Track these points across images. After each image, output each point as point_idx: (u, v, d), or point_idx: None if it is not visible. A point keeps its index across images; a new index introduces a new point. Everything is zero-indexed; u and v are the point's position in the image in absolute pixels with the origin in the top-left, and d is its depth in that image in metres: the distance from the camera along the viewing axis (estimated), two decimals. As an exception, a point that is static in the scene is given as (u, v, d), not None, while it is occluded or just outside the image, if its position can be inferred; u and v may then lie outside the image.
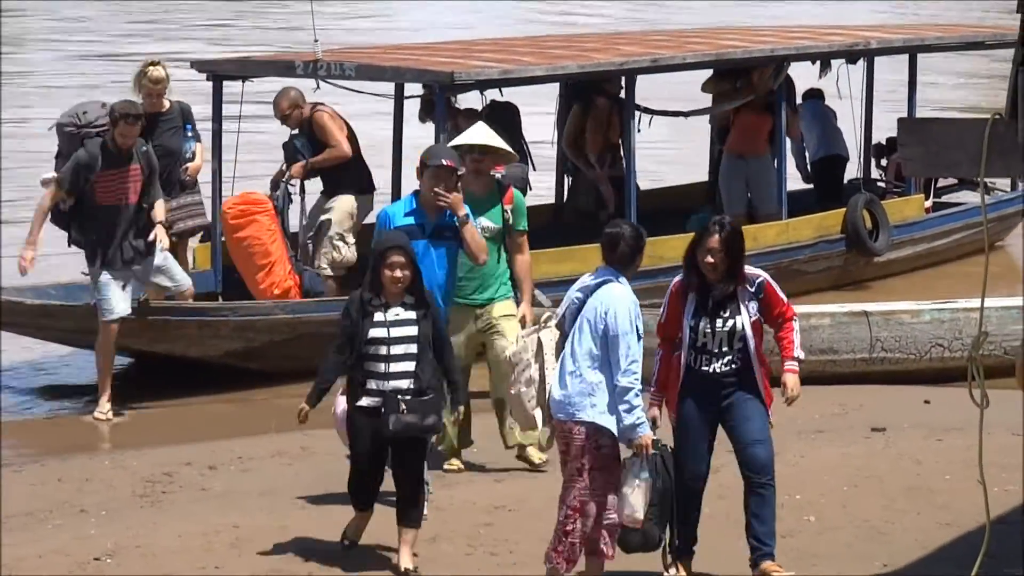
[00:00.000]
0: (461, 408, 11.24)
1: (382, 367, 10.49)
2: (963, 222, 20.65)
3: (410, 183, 18.30)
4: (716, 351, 10.35)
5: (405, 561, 10.58)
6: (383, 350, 10.48)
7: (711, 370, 10.36)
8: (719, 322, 10.36)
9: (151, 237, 14.51)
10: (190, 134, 13.06)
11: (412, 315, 10.54)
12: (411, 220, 11.81)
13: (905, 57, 20.70)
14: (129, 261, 14.59)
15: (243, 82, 16.72)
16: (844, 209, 19.24)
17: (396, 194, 18.18)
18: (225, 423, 15.31)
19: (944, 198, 21.17)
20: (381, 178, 18.22)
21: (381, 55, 18.64)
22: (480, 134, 12.97)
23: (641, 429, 10.06)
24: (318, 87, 17.24)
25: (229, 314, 15.83)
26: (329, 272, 16.34)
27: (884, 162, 21.19)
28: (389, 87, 18.09)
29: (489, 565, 10.89)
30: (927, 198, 20.70)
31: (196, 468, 13.07)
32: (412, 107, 18.70)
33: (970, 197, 21.14)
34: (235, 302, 16.11)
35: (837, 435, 14.05)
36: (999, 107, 8.57)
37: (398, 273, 10.42)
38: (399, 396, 10.41)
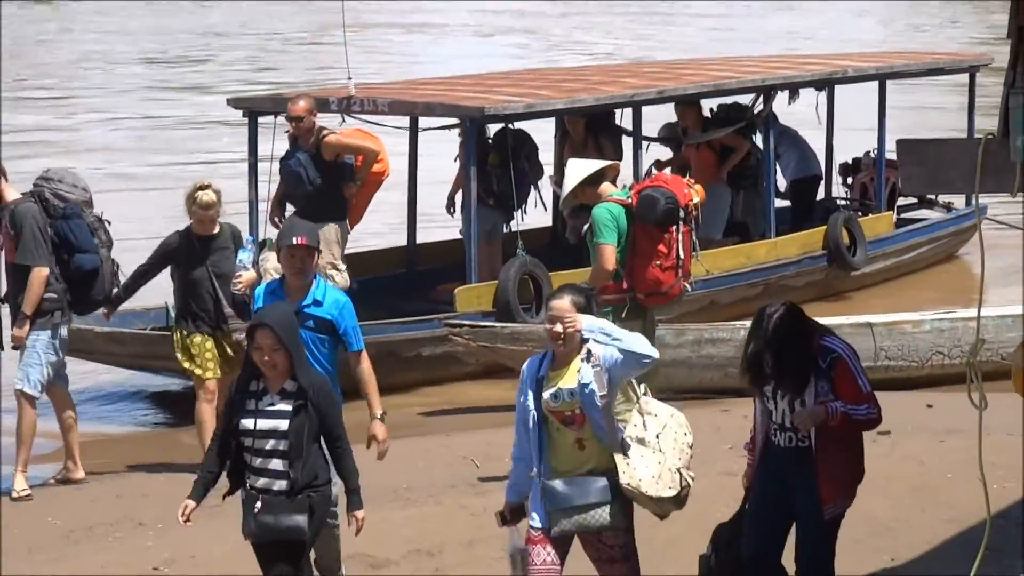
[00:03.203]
0: (357, 514, 8.89)
1: (255, 461, 8.73)
2: (926, 236, 20.85)
3: (425, 213, 18.54)
4: (781, 423, 8.91)
5: None
6: (249, 442, 8.71)
7: (779, 443, 8.95)
8: (782, 393, 8.90)
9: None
10: (244, 255, 12.48)
11: (286, 406, 8.67)
12: (273, 299, 10.24)
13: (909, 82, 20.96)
14: None
15: (275, 117, 16.63)
16: (825, 227, 19.31)
17: (412, 222, 18.46)
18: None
19: (905, 215, 21.20)
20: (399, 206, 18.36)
21: (406, 91, 18.56)
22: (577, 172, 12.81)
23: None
24: (343, 121, 17.07)
25: None
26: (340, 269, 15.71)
27: (850, 180, 21.18)
28: (404, 121, 17.94)
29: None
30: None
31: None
32: (426, 139, 18.57)
33: (929, 214, 21.22)
34: None
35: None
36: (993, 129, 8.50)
37: (266, 357, 8.60)
38: (261, 494, 8.72)
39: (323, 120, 16.45)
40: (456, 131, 17.83)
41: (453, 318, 15.53)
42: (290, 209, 15.67)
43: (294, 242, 10.11)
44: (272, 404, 8.65)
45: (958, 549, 9.64)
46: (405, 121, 18.12)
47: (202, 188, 12.38)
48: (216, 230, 12.62)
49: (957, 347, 15.13)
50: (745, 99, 19.64)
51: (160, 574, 10.76)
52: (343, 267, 15.85)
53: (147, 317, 15.83)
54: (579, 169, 12.69)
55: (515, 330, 15.42)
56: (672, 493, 8.32)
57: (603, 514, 8.31)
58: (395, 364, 15.48)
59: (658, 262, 12.73)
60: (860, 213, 19.92)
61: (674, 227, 12.79)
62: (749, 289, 18.01)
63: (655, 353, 8.31)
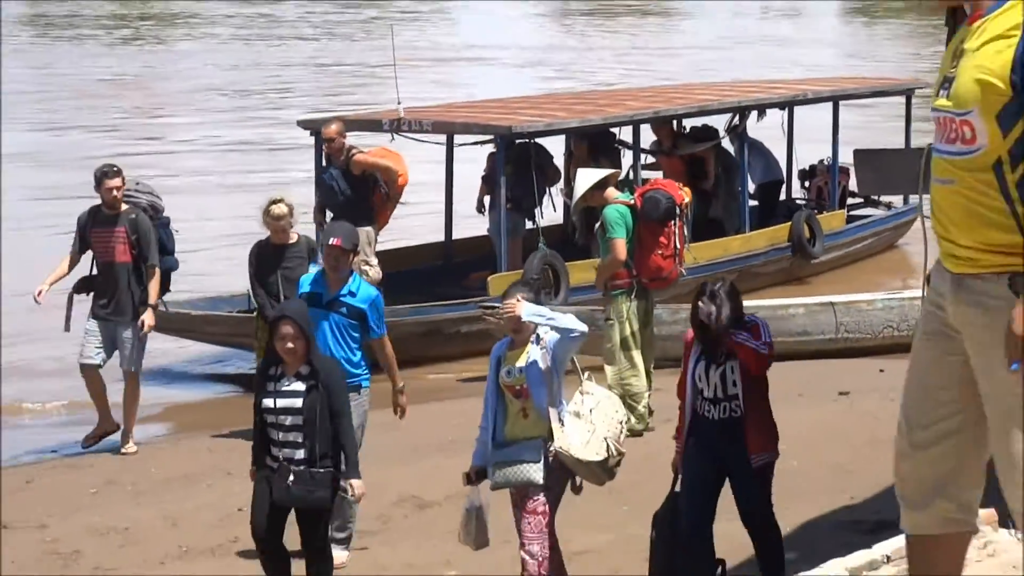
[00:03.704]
0: (353, 483, 8.81)
1: (277, 435, 8.67)
2: (871, 231, 20.71)
3: (460, 218, 18.55)
4: (712, 397, 8.57)
5: None
6: (272, 419, 8.67)
7: (711, 416, 8.56)
8: (714, 367, 8.57)
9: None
10: (313, 268, 12.33)
11: (301, 386, 8.62)
12: (314, 288, 10.37)
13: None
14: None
15: (347, 151, 16.62)
16: (789, 223, 19.24)
17: (448, 221, 18.40)
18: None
19: (853, 213, 20.97)
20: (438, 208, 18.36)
21: (445, 113, 18.56)
22: (585, 181, 12.88)
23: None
24: (393, 139, 17.03)
25: None
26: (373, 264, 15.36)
27: (808, 184, 21.08)
28: (441, 138, 17.87)
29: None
30: None
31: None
32: (460, 153, 18.55)
33: (873, 212, 20.89)
34: None
35: (812, 399, 13.96)
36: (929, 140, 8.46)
37: (289, 344, 8.58)
38: (290, 465, 8.60)
39: (376, 138, 16.55)
40: (484, 146, 17.80)
41: (487, 301, 15.57)
42: (330, 215, 15.56)
43: (331, 243, 10.14)
44: (289, 385, 8.62)
45: (906, 489, 9.62)
46: (443, 137, 18.04)
47: (275, 202, 12.30)
48: (292, 239, 12.41)
49: (904, 321, 15.09)
50: (723, 118, 19.57)
51: (243, 514, 10.74)
52: (375, 262, 15.69)
53: (232, 302, 15.81)
54: (588, 177, 12.89)
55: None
56: (599, 458, 8.23)
57: (529, 471, 8.26)
58: (439, 339, 15.60)
59: (660, 252, 13.09)
60: (817, 211, 19.83)
61: (672, 222, 13.09)
62: (728, 275, 17.97)
63: (583, 327, 8.28)
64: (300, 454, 8.56)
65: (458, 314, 15.66)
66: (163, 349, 15.29)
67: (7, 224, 22.33)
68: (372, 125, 17.25)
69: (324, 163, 15.94)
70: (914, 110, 20.49)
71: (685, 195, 13.44)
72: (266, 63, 43.93)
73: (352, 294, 10.11)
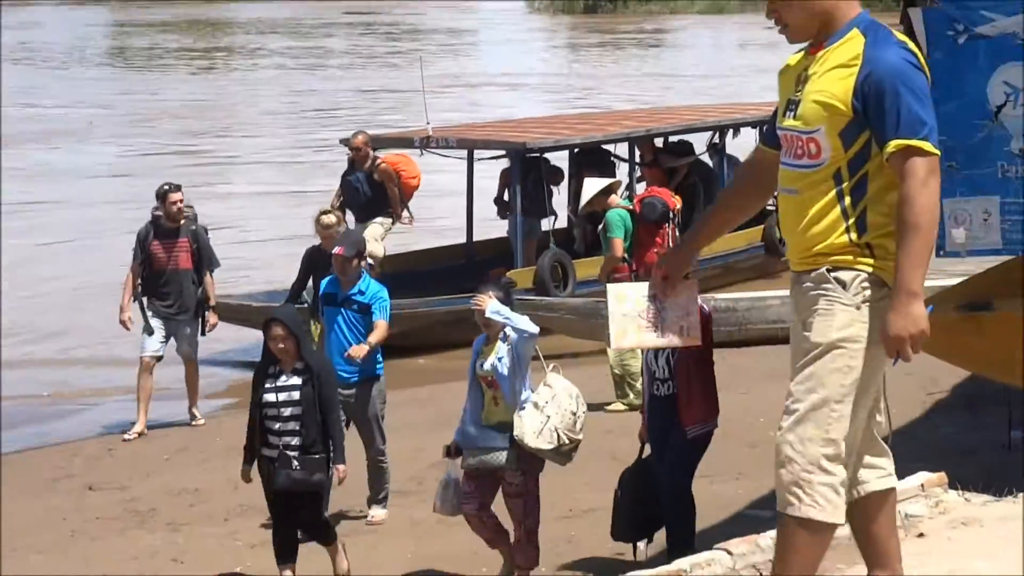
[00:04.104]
0: (339, 467, 8.62)
1: (276, 426, 8.45)
2: None
3: (479, 223, 18.58)
4: (661, 378, 8.38)
5: (339, 568, 8.76)
6: (273, 411, 8.47)
7: (660, 394, 8.41)
8: (660, 352, 8.28)
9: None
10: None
11: (298, 380, 8.46)
12: (329, 289, 10.47)
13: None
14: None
15: (373, 151, 16.58)
16: (763, 226, 19.15)
17: (469, 225, 18.38)
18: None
19: None
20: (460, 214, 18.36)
21: (467, 131, 18.58)
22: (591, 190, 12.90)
23: None
24: (422, 155, 17.10)
25: None
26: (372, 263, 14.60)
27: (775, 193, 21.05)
28: (463, 153, 17.92)
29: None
30: None
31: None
32: (480, 166, 18.48)
33: None
34: None
35: (782, 376, 13.89)
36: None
37: (280, 344, 8.42)
38: (289, 452, 8.41)
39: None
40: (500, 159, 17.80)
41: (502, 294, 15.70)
42: (350, 216, 15.63)
43: (335, 252, 10.28)
44: (287, 380, 8.47)
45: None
46: (464, 152, 18.06)
47: (324, 213, 12.34)
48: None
49: (862, 310, 15.05)
50: (705, 135, 19.62)
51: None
52: (381, 249, 15.88)
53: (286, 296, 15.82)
54: (595, 185, 12.98)
55: (549, 301, 15.55)
56: (550, 447, 8.10)
57: (500, 457, 8.19)
58: (465, 326, 15.27)
59: (655, 250, 13.12)
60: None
61: (666, 224, 13.19)
62: (712, 270, 18.01)
63: (534, 329, 8.23)
64: (296, 441, 8.42)
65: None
66: (227, 336, 15.25)
67: (96, 227, 22.42)
68: (404, 142, 17.27)
69: (348, 168, 16.03)
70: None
71: (677, 202, 13.56)
72: (319, 89, 43.94)
73: (362, 292, 10.19)
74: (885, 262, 4.54)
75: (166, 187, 12.67)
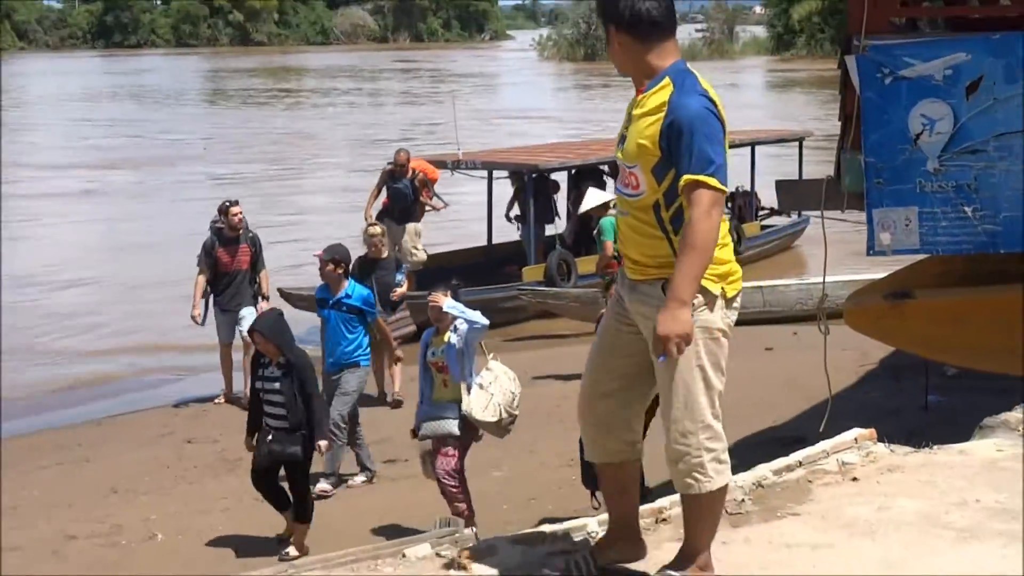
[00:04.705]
0: (320, 443, 8.29)
1: (267, 408, 8.32)
2: (777, 236, 20.43)
3: (497, 229, 18.43)
4: None
5: (291, 550, 8.40)
6: (263, 396, 8.32)
7: None
8: None
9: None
10: (400, 276, 12.24)
11: (278, 373, 8.23)
12: (322, 295, 10.17)
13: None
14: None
15: (412, 172, 16.48)
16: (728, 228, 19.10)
17: (489, 231, 18.16)
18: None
19: (764, 223, 20.65)
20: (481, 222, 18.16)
21: (489, 155, 18.43)
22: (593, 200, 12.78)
23: None
24: (452, 174, 17.08)
25: None
26: (410, 268, 14.67)
27: (730, 204, 20.72)
28: (485, 172, 17.70)
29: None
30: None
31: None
32: (498, 184, 18.29)
33: (777, 222, 20.61)
34: None
35: (746, 354, 13.75)
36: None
37: (261, 347, 8.30)
38: (274, 431, 8.26)
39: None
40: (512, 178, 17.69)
41: (521, 285, 15.69)
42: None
43: (323, 258, 10.05)
44: (272, 373, 8.27)
45: (814, 415, 9.49)
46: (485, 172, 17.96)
47: (372, 225, 12.26)
48: (384, 255, 12.21)
49: (811, 299, 14.90)
50: None
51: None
52: (421, 247, 15.79)
53: None
54: (598, 196, 12.90)
55: (557, 292, 15.48)
56: (494, 419, 7.96)
57: (448, 425, 8.05)
58: (487, 312, 15.30)
59: None
60: (740, 223, 19.69)
61: None
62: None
63: (484, 321, 8.11)
64: (282, 424, 8.26)
65: (501, 294, 15.57)
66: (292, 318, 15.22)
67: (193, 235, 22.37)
68: (440, 164, 17.24)
69: (391, 178, 15.85)
70: (804, 153, 20.46)
71: None
72: (379, 122, 44.02)
73: (348, 296, 9.95)
74: (709, 272, 4.37)
75: (227, 203, 12.51)
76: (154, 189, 29.19)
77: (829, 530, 5.21)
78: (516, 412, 8.09)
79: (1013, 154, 7.50)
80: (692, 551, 4.53)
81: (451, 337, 8.07)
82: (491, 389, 7.99)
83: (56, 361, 15.05)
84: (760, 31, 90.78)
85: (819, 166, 18.35)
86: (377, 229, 12.14)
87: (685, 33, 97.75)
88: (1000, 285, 8.05)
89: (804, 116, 39.30)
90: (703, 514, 4.51)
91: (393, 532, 8.48)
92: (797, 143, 20.84)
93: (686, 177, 4.25)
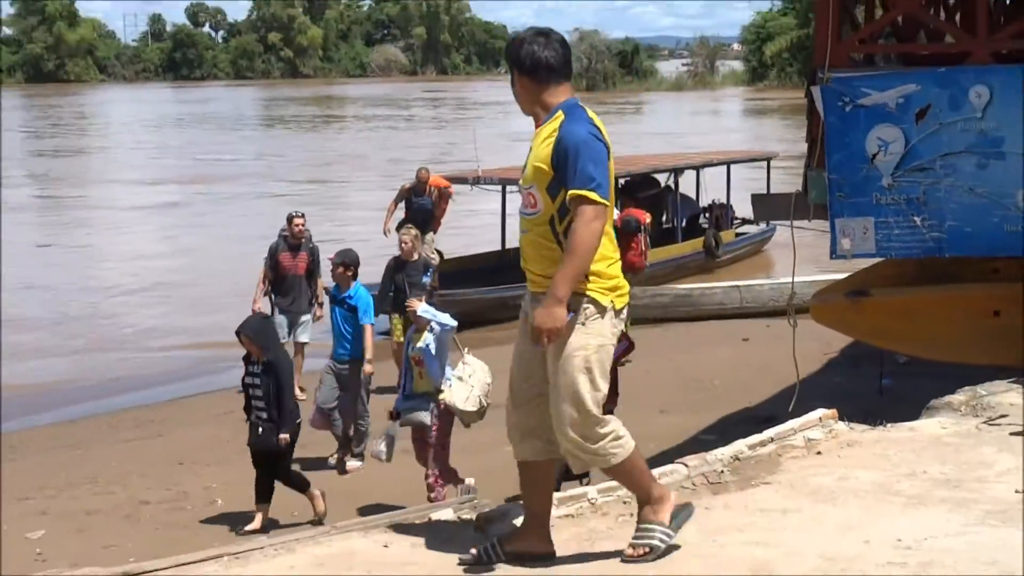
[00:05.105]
0: (281, 436, 7.99)
1: (253, 401, 8.10)
2: (748, 243, 20.21)
3: (510, 235, 18.22)
4: None
5: (250, 525, 8.15)
6: (249, 392, 8.11)
7: None
8: None
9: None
10: (426, 278, 12.03)
11: (260, 370, 8.02)
12: (332, 292, 9.83)
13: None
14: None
15: (429, 188, 16.31)
16: (703, 237, 18.93)
17: (503, 238, 17.68)
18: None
19: (738, 231, 20.37)
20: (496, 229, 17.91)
21: (503, 172, 17.93)
22: None
23: None
24: (472, 189, 16.90)
25: None
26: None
27: (708, 215, 20.49)
28: (498, 187, 17.36)
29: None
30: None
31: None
32: (511, 197, 17.85)
33: (749, 230, 20.33)
34: None
35: (726, 343, 13.83)
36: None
37: (247, 347, 8.07)
38: (259, 422, 8.05)
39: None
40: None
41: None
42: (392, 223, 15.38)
43: (335, 261, 9.69)
44: (257, 370, 8.04)
45: (784, 397, 9.48)
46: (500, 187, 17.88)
47: (406, 231, 12.12)
48: (414, 257, 11.86)
49: (782, 297, 14.74)
50: (663, 175, 19.33)
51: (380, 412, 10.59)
52: (435, 252, 15.57)
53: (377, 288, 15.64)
54: None
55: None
56: (474, 409, 7.76)
57: (422, 416, 7.94)
58: (500, 309, 15.36)
59: (632, 253, 13.11)
60: (717, 230, 19.58)
61: (639, 235, 13.12)
62: (669, 269, 17.88)
63: (452, 323, 7.94)
64: (264, 415, 8.07)
65: (514, 293, 15.51)
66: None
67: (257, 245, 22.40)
68: (461, 179, 17.18)
69: (414, 193, 15.73)
70: (772, 171, 20.33)
71: (647, 217, 13.87)
72: (410, 144, 43.94)
73: (351, 297, 9.58)
74: (600, 286, 4.32)
75: (292, 213, 12.36)
76: (221, 201, 29.14)
77: (797, 497, 5.18)
78: (490, 401, 7.85)
79: (956, 172, 7.48)
80: (644, 497, 4.49)
81: (427, 336, 7.93)
82: (471, 381, 7.79)
83: (138, 350, 15.08)
84: (738, 65, 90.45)
85: (784, 185, 18.31)
86: (410, 234, 11.97)
87: (673, 67, 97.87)
88: (945, 285, 8.04)
89: (775, 138, 39.19)
90: (630, 472, 4.45)
91: (383, 509, 8.43)
92: (765, 162, 20.75)
93: (571, 192, 4.21)
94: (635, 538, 4.46)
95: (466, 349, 8.17)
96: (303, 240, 12.26)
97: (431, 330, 7.92)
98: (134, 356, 14.77)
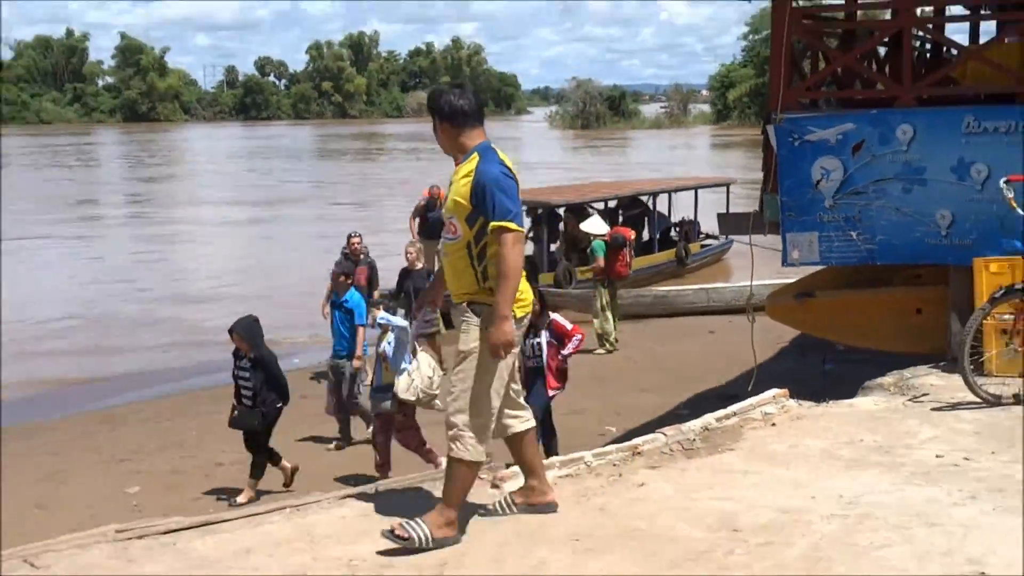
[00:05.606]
0: (256, 422, 7.87)
1: (243, 391, 7.89)
2: (711, 253, 20.06)
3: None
4: (530, 354, 7.72)
5: (240, 498, 7.87)
6: (239, 382, 7.90)
7: (530, 367, 7.70)
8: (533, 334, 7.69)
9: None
10: (428, 283, 11.77)
11: (248, 364, 7.81)
12: (333, 297, 9.41)
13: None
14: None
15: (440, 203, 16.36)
16: (675, 248, 18.84)
17: None
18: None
19: (704, 243, 20.28)
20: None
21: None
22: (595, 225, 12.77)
23: None
24: None
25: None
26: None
27: (679, 229, 20.36)
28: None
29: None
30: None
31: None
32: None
33: (712, 242, 20.19)
34: None
35: (696, 335, 13.80)
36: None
37: (237, 344, 7.85)
38: (242, 406, 7.88)
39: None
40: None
41: (537, 287, 15.50)
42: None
43: (335, 272, 9.35)
44: (245, 365, 7.85)
45: (744, 379, 9.47)
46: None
47: (412, 244, 11.90)
48: (418, 266, 11.64)
49: (742, 297, 14.67)
50: (645, 196, 19.25)
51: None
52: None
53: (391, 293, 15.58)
54: (599, 226, 12.82)
55: (561, 291, 15.22)
56: (412, 398, 7.30)
57: (387, 403, 7.73)
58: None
59: (619, 263, 12.94)
60: (687, 243, 19.51)
61: (625, 248, 13.04)
62: (648, 274, 17.80)
63: (404, 323, 7.63)
64: (247, 402, 7.86)
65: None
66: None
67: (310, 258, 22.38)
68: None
69: (428, 206, 15.58)
70: (731, 194, 20.18)
71: (631, 234, 13.72)
72: (432, 172, 44.03)
73: (347, 300, 9.24)
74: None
75: (350, 233, 12.29)
76: (290, 220, 29.11)
77: (755, 461, 5.17)
78: (435, 392, 7.25)
79: (886, 195, 7.48)
80: (445, 504, 4.25)
81: (389, 336, 7.74)
82: (413, 375, 7.41)
83: (215, 342, 15.06)
84: (706, 107, 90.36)
85: (742, 206, 18.21)
86: (414, 247, 11.63)
87: (653, 110, 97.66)
88: (876, 288, 8.05)
89: (737, 167, 39.08)
90: (455, 477, 4.23)
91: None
92: (726, 187, 20.66)
93: (493, 224, 4.14)
94: (407, 523, 4.17)
95: (421, 347, 7.86)
96: (361, 256, 12.05)
97: (393, 330, 7.73)
98: (214, 348, 14.74)
